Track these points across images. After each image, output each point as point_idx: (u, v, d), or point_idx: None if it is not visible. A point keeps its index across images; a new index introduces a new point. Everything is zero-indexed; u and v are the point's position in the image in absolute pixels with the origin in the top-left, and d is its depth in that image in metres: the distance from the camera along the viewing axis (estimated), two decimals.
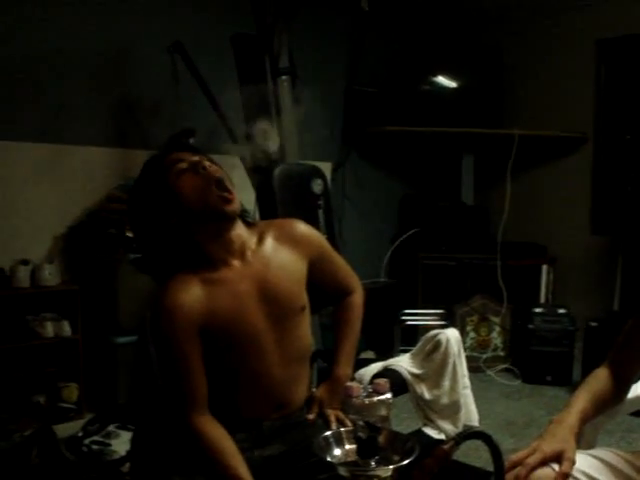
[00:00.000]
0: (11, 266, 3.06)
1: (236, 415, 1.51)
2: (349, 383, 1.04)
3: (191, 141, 3.54)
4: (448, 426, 2.50)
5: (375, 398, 1.04)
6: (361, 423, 1.04)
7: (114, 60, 3.48)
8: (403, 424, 2.77)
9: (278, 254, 1.56)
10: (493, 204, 4.68)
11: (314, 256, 1.63)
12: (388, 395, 1.05)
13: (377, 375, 2.68)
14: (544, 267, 4.37)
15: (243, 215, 1.56)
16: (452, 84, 4.67)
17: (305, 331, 1.59)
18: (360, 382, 2.57)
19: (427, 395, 2.55)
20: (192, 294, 1.43)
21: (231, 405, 1.51)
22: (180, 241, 1.47)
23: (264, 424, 1.52)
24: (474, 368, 3.78)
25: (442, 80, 4.64)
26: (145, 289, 3.11)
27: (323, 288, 1.71)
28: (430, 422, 2.55)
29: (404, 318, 3.93)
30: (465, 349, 2.77)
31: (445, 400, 2.53)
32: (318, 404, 1.61)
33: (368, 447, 1.02)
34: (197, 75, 3.32)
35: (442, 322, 3.80)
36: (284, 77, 3.15)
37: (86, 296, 3.21)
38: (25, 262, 3.08)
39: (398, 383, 2.38)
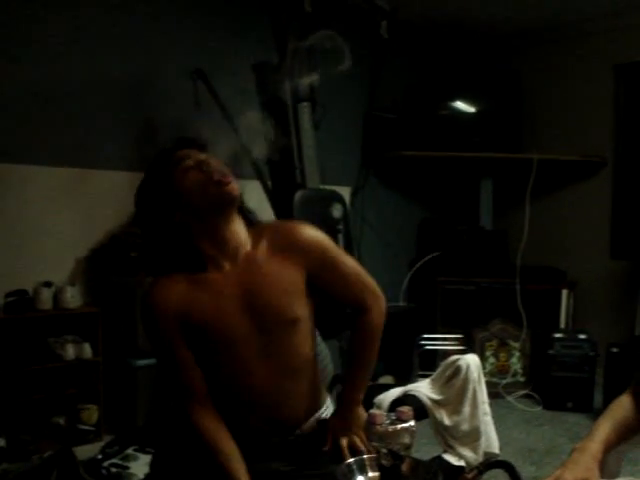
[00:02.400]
0: (34, 288, 3.10)
1: (238, 426, 1.50)
2: (372, 410, 1.04)
3: None
4: (468, 453, 2.48)
5: (399, 426, 1.04)
6: (384, 451, 1.04)
7: (137, 86, 3.54)
8: (422, 450, 2.74)
9: (270, 261, 1.50)
10: (512, 228, 4.66)
11: (315, 266, 1.54)
12: (412, 423, 1.05)
13: (396, 400, 2.67)
14: (564, 292, 4.34)
15: (245, 212, 1.55)
16: (470, 109, 4.69)
17: (299, 344, 1.53)
18: (379, 407, 2.57)
19: (447, 421, 2.53)
20: (173, 292, 1.46)
21: (231, 416, 1.51)
22: (180, 239, 1.47)
23: (273, 439, 1.52)
24: (494, 394, 3.75)
25: (460, 105, 4.67)
26: None
27: (335, 300, 1.62)
28: (450, 449, 2.53)
29: (423, 343, 3.92)
30: (484, 374, 2.76)
31: (465, 426, 2.51)
32: (331, 434, 1.59)
33: (391, 475, 1.02)
34: (218, 101, 3.37)
35: (461, 347, 3.79)
36: (304, 103, 3.18)
37: (107, 318, 3.23)
38: (48, 284, 3.11)
39: (418, 409, 2.37)
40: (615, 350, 3.65)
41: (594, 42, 4.51)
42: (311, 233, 1.56)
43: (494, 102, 4.67)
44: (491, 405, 2.68)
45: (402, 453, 1.05)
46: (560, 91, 4.75)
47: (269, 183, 3.28)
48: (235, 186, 1.45)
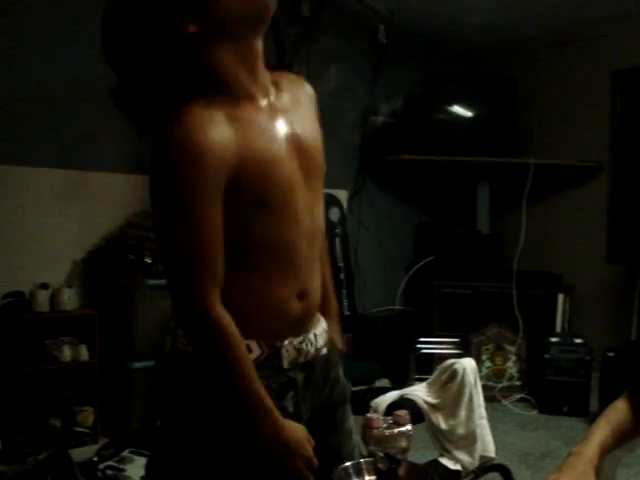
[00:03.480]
0: (31, 290, 3.10)
1: (260, 300, 1.20)
2: (369, 414, 1.05)
3: None
4: (464, 457, 2.50)
5: (395, 430, 1.05)
6: (381, 455, 1.04)
7: None
8: (418, 454, 2.75)
9: (300, 107, 1.27)
10: (508, 233, 4.68)
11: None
12: (409, 427, 1.06)
13: (393, 404, 2.68)
14: (560, 296, 4.35)
15: None
16: (467, 113, 4.70)
17: (322, 203, 1.31)
18: (375, 411, 2.58)
19: (443, 425, 2.55)
20: (221, 132, 1.09)
21: (255, 288, 1.20)
22: (193, 61, 1.12)
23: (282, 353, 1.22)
24: (489, 398, 3.75)
25: (458, 109, 4.68)
26: (162, 315, 3.14)
27: None
28: (446, 452, 2.54)
29: (419, 346, 3.93)
30: (480, 378, 2.77)
31: (461, 430, 2.52)
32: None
33: (388, 479, 1.02)
34: None
35: (458, 351, 3.80)
36: None
37: (103, 321, 3.23)
38: (45, 286, 3.11)
39: (414, 412, 2.39)
40: (611, 354, 3.66)
41: (591, 48, 4.52)
42: None
43: (491, 107, 4.69)
44: (487, 409, 2.70)
45: (398, 457, 1.05)
46: (557, 96, 4.76)
47: None
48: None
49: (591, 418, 3.49)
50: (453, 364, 2.67)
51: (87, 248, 3.39)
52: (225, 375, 1.12)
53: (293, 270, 1.22)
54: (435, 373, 2.80)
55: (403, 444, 1.05)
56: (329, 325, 1.40)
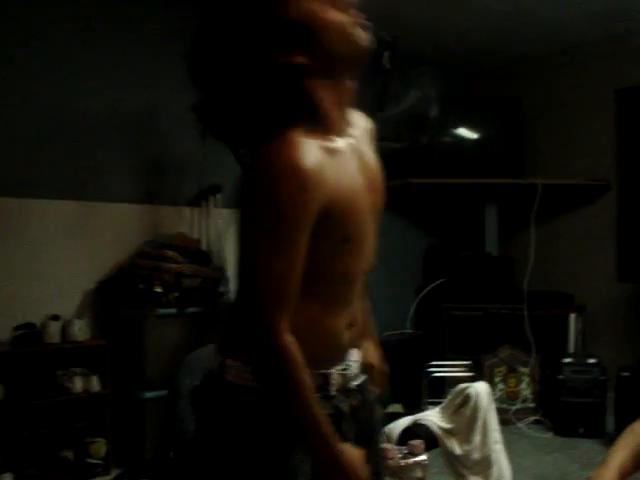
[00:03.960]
0: (42, 322, 3.11)
1: (318, 330, 1.21)
2: (384, 445, 1.04)
3: (217, 197, 3.61)
4: None
5: (411, 460, 1.04)
6: None
7: (143, 118, 3.58)
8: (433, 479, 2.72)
9: (366, 143, 1.30)
10: (518, 253, 4.66)
11: None
12: (424, 456, 1.05)
13: (406, 430, 2.66)
14: (572, 316, 4.32)
15: None
16: (473, 136, 4.72)
17: None
18: (389, 437, 2.56)
19: (458, 450, 2.52)
20: (322, 163, 1.10)
21: (314, 318, 1.20)
22: (292, 90, 1.13)
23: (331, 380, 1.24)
24: (504, 420, 3.69)
25: (463, 132, 4.70)
26: (173, 344, 3.14)
27: None
28: (461, 478, 2.51)
29: (431, 370, 3.90)
30: (494, 401, 2.75)
31: (476, 455, 2.50)
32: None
33: None
34: None
35: (470, 374, 3.77)
36: None
37: (115, 351, 3.23)
38: (56, 317, 3.12)
39: (428, 438, 2.37)
40: (625, 374, 3.62)
41: (595, 67, 4.55)
42: None
43: (497, 129, 4.71)
44: (501, 432, 2.67)
45: None
46: (562, 116, 4.77)
47: None
48: None
49: (607, 439, 3.44)
50: (466, 388, 2.65)
51: (97, 278, 3.40)
52: (287, 401, 1.11)
53: (349, 301, 1.24)
54: (448, 397, 2.78)
55: (419, 474, 1.04)
56: (370, 347, 1.44)
